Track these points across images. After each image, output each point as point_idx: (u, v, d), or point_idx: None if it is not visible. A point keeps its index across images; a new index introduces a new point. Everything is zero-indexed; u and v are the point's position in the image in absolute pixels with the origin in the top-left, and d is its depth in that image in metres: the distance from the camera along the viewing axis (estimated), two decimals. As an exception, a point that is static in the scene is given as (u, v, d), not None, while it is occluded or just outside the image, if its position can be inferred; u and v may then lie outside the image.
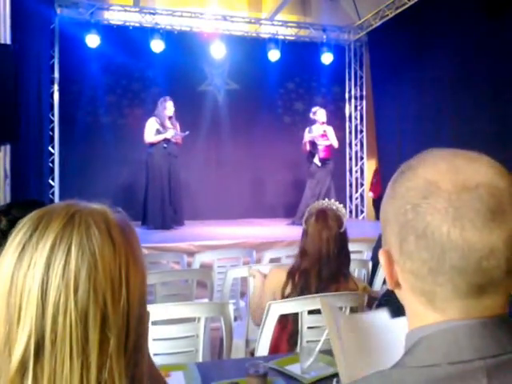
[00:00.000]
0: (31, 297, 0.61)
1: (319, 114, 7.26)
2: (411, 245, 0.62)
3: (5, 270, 0.63)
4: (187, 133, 6.68)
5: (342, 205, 2.47)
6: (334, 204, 2.44)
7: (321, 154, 7.12)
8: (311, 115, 7.42)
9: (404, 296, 0.68)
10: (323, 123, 7.20)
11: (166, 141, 6.56)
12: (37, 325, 0.61)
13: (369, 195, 9.40)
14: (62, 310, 0.61)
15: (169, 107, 6.62)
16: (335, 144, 7.19)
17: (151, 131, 6.56)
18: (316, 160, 7.16)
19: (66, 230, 0.64)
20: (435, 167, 0.64)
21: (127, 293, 0.65)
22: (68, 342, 0.61)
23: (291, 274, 2.30)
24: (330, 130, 7.23)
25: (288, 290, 2.27)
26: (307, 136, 7.21)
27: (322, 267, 2.25)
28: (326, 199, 2.56)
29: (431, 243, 0.60)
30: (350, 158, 9.59)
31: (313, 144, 7.16)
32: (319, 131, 7.13)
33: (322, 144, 7.09)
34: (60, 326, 0.61)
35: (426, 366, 0.60)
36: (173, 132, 6.58)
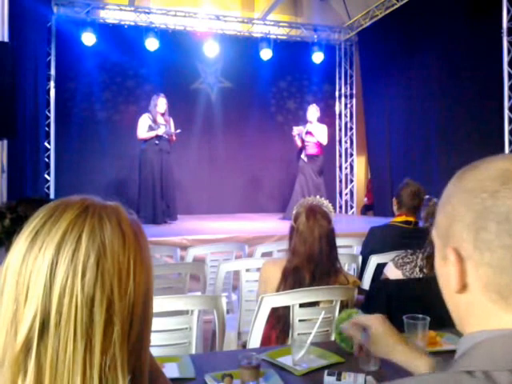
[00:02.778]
0: (39, 277, 0.62)
1: (308, 112, 7.37)
2: (492, 233, 0.59)
3: (17, 252, 0.64)
4: (179, 131, 6.75)
5: (327, 201, 2.49)
6: (320, 201, 2.45)
7: (309, 150, 7.23)
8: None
9: (469, 299, 0.64)
10: (311, 122, 7.28)
11: (158, 137, 6.58)
12: (43, 305, 0.62)
13: (364, 200, 9.62)
14: (69, 292, 0.62)
15: (160, 104, 6.61)
16: (322, 141, 7.24)
17: (143, 127, 6.58)
18: (303, 156, 7.29)
19: (79, 219, 0.66)
20: (504, 159, 0.64)
21: (134, 285, 0.66)
22: (72, 324, 0.62)
23: (285, 274, 2.29)
24: (319, 128, 7.28)
25: (282, 289, 2.26)
26: (295, 130, 7.30)
27: (316, 265, 2.25)
28: (312, 196, 2.56)
29: None
30: (340, 155, 9.72)
31: (303, 141, 7.29)
32: (304, 128, 7.24)
33: (309, 141, 7.21)
34: (65, 308, 0.62)
35: (485, 370, 0.57)
36: (164, 129, 6.65)
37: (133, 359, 0.67)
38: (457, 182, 0.66)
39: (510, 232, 0.58)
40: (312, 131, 7.17)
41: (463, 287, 0.63)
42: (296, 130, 7.26)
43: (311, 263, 2.25)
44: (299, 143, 7.29)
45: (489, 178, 0.62)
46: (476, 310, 0.63)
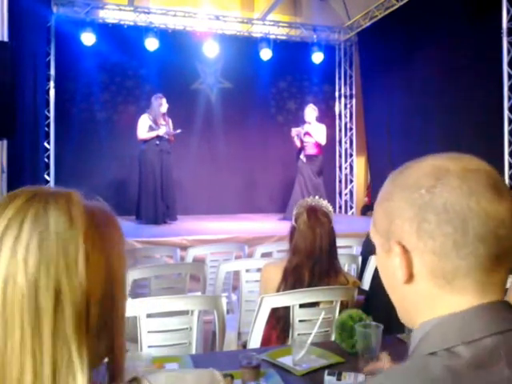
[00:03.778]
0: None
1: (305, 112, 7.38)
2: (432, 223, 0.65)
3: None
4: (179, 131, 6.76)
5: (326, 201, 2.49)
6: (320, 201, 2.46)
7: (308, 150, 7.24)
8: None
9: (417, 288, 0.69)
10: (309, 122, 7.29)
11: (159, 138, 6.60)
12: None
13: (364, 200, 9.62)
14: (12, 279, 0.61)
15: (164, 104, 6.67)
16: (321, 141, 7.24)
17: (144, 128, 6.59)
18: (302, 156, 7.30)
19: (25, 206, 0.65)
20: (437, 158, 0.72)
21: (87, 267, 0.64)
22: (18, 311, 0.61)
23: (285, 275, 2.31)
24: (317, 128, 7.28)
25: (282, 288, 2.29)
26: (293, 132, 7.32)
27: (315, 263, 2.26)
28: (311, 197, 2.57)
29: (453, 216, 0.64)
30: (340, 155, 9.72)
31: (302, 141, 7.30)
32: (302, 130, 7.25)
33: (307, 141, 7.22)
34: (9, 295, 0.61)
35: (445, 348, 0.62)
36: (165, 129, 6.65)
37: (103, 344, 0.68)
38: (393, 182, 0.73)
39: (449, 220, 0.64)
40: (310, 132, 7.17)
41: (410, 277, 0.68)
42: (294, 131, 7.28)
43: (311, 260, 2.27)
44: (298, 144, 7.30)
45: (424, 175, 0.68)
46: (424, 297, 0.68)
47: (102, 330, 0.67)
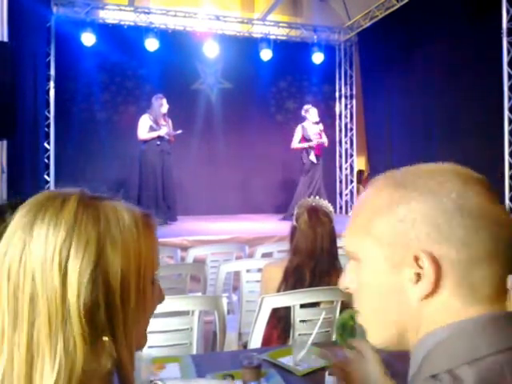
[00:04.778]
0: None
1: (311, 112, 7.38)
2: (468, 228, 0.61)
3: None
4: (180, 131, 6.77)
5: (326, 201, 2.50)
6: (320, 201, 2.47)
7: (316, 151, 7.26)
8: (303, 112, 7.53)
9: (435, 302, 0.63)
10: (316, 123, 7.32)
11: (159, 138, 6.61)
12: None
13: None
14: None
15: (164, 104, 6.68)
16: (326, 142, 7.33)
17: (144, 128, 6.59)
18: (312, 157, 7.28)
19: (22, 217, 0.68)
20: (449, 165, 0.68)
21: (63, 275, 0.64)
22: (0, 315, 0.64)
23: (286, 275, 2.31)
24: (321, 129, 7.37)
25: (283, 288, 2.29)
26: (298, 134, 7.34)
27: (316, 263, 2.26)
28: (312, 197, 2.59)
29: (488, 221, 0.61)
30: (340, 156, 9.71)
31: (307, 141, 7.30)
32: (315, 131, 7.27)
33: (318, 141, 7.24)
34: None
35: (448, 369, 0.59)
36: (166, 129, 6.66)
37: (107, 354, 0.68)
38: (400, 187, 0.66)
39: (486, 226, 0.61)
40: (321, 132, 7.23)
41: (434, 290, 0.62)
42: (299, 136, 7.31)
43: (312, 260, 2.27)
44: (301, 145, 7.30)
45: (448, 180, 0.64)
46: (440, 313, 0.63)
47: (95, 338, 0.66)
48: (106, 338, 0.68)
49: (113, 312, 0.67)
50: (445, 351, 0.60)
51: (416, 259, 0.62)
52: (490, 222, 0.61)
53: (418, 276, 0.63)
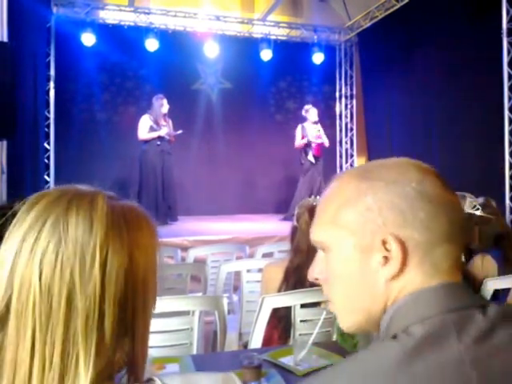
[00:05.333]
0: (4, 268, 0.63)
1: (311, 112, 7.40)
2: (428, 212, 0.68)
3: None
4: (180, 131, 6.78)
5: None
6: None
7: (314, 151, 7.27)
8: (303, 112, 7.56)
9: (403, 281, 0.69)
10: (315, 122, 7.34)
11: (160, 138, 6.61)
12: (5, 295, 0.63)
13: None
14: (27, 281, 0.62)
15: (165, 104, 6.69)
16: (327, 143, 7.34)
17: (145, 128, 6.60)
18: (310, 157, 7.30)
19: (47, 208, 0.66)
20: (406, 159, 0.76)
21: (102, 274, 0.64)
22: (31, 315, 0.62)
23: (286, 275, 2.32)
24: (321, 130, 7.39)
25: (283, 288, 2.31)
26: (300, 134, 7.36)
27: None
28: (313, 197, 2.58)
29: (445, 206, 0.69)
30: (341, 156, 9.70)
31: (306, 141, 7.31)
32: (315, 131, 7.28)
33: (315, 142, 7.25)
34: (23, 298, 0.62)
35: (403, 328, 0.64)
36: (167, 129, 6.66)
37: (122, 351, 0.68)
38: (367, 179, 0.72)
39: (443, 211, 0.69)
40: (321, 132, 7.24)
41: (401, 270, 0.68)
42: (300, 137, 7.32)
43: (312, 260, 2.24)
44: (300, 143, 7.32)
45: (408, 171, 0.71)
46: (405, 287, 0.69)
47: (121, 336, 0.68)
48: (125, 338, 0.69)
49: (136, 312, 0.69)
50: (403, 314, 0.67)
51: (384, 243, 0.68)
52: (446, 207, 0.69)
53: (386, 259, 0.68)
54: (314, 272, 0.80)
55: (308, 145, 7.29)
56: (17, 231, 0.65)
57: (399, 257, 0.67)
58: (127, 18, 8.41)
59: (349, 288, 0.73)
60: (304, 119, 7.52)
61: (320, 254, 0.79)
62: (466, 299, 0.67)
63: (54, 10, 7.92)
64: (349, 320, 0.75)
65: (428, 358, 0.60)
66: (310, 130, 7.33)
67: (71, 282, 0.63)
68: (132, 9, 8.33)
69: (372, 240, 0.69)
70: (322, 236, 0.76)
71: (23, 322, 0.62)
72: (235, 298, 3.66)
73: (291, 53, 9.00)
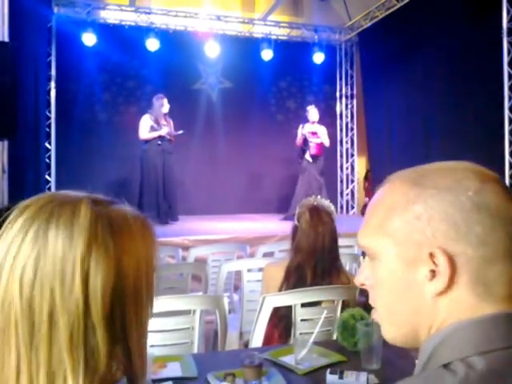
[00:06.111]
0: None
1: (311, 113, 7.42)
2: (486, 227, 0.61)
3: None
4: (181, 132, 6.78)
5: (328, 201, 2.52)
6: (322, 201, 2.47)
7: (312, 150, 7.27)
8: (307, 113, 7.60)
9: (450, 298, 0.64)
10: (313, 122, 7.36)
11: (160, 138, 6.62)
12: None
13: (365, 200, 9.65)
14: (9, 297, 0.60)
15: (165, 104, 6.70)
16: (326, 143, 7.34)
17: (145, 128, 6.60)
18: (307, 156, 7.32)
19: (30, 219, 0.64)
20: (463, 163, 0.68)
21: (85, 289, 0.61)
22: (14, 332, 0.60)
23: (287, 274, 2.31)
24: (323, 129, 7.38)
25: (284, 288, 2.30)
26: (300, 133, 7.40)
27: (317, 262, 2.27)
28: (314, 196, 2.58)
29: (505, 220, 0.62)
30: (341, 155, 9.73)
31: (305, 141, 7.32)
32: (308, 129, 7.31)
33: (313, 141, 7.26)
34: (6, 314, 0.60)
35: (461, 358, 0.59)
36: (167, 129, 6.67)
37: (117, 361, 0.66)
38: (416, 185, 0.67)
39: (503, 225, 0.61)
40: (318, 132, 7.23)
41: (449, 287, 0.63)
42: (300, 133, 7.33)
43: (313, 259, 2.28)
44: (300, 142, 7.33)
45: (465, 178, 0.64)
46: (453, 309, 0.64)
47: (113, 349, 0.65)
48: (118, 347, 0.66)
49: (127, 320, 0.66)
50: (459, 341, 0.61)
51: (431, 256, 0.63)
52: (506, 221, 0.62)
53: (433, 273, 0.63)
54: (360, 277, 0.76)
55: (306, 144, 7.30)
56: (3, 242, 0.63)
57: (447, 272, 0.62)
58: (128, 18, 8.43)
59: (393, 299, 0.69)
60: (306, 119, 7.54)
61: (367, 260, 0.75)
62: None
63: (55, 9, 7.95)
64: (390, 331, 0.72)
65: None
66: (306, 128, 7.36)
67: (52, 299, 0.61)
68: (133, 9, 8.34)
69: (419, 252, 0.64)
70: (368, 242, 0.72)
71: (7, 339, 0.60)
72: (236, 297, 3.67)
73: (292, 52, 9.01)
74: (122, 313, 0.65)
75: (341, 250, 2.44)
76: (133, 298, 0.67)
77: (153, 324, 1.98)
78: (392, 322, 0.71)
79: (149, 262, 0.70)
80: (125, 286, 0.65)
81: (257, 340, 2.14)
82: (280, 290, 2.30)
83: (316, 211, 2.35)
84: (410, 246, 0.65)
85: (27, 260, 0.61)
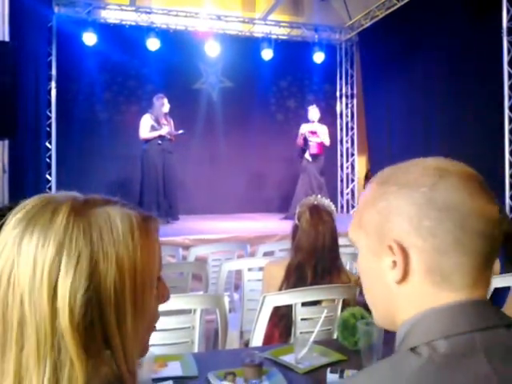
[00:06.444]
0: None
1: (310, 112, 7.44)
2: (433, 220, 0.66)
3: None
4: (181, 131, 6.79)
5: (328, 200, 2.52)
6: (322, 200, 2.48)
7: (312, 150, 7.28)
8: (307, 113, 7.63)
9: (409, 287, 0.69)
10: (313, 122, 7.37)
11: (161, 137, 6.62)
12: None
13: None
14: None
15: (166, 104, 6.70)
16: (326, 142, 7.36)
17: (146, 128, 6.61)
18: (307, 155, 7.33)
19: (12, 227, 0.63)
20: (433, 159, 0.73)
21: (52, 294, 0.60)
22: None
23: (287, 273, 2.32)
24: (323, 129, 7.40)
25: (284, 287, 2.31)
26: (300, 132, 7.42)
27: (318, 261, 2.28)
28: (314, 195, 2.59)
29: (454, 212, 0.65)
30: (341, 155, 9.73)
31: (305, 140, 7.34)
32: (308, 129, 7.32)
33: (312, 140, 7.27)
34: None
35: (426, 342, 0.63)
36: (167, 129, 6.68)
37: (105, 369, 0.65)
38: (385, 183, 0.73)
39: (449, 217, 0.66)
40: (318, 131, 7.24)
41: (405, 276, 0.69)
42: (300, 132, 7.35)
43: (313, 258, 2.28)
44: (301, 142, 7.34)
45: (425, 174, 0.69)
46: (415, 296, 0.69)
47: (97, 355, 0.63)
48: (107, 351, 0.64)
49: (108, 329, 0.63)
50: (426, 327, 0.66)
51: (390, 248, 0.69)
52: (455, 214, 0.66)
53: (394, 263, 0.69)
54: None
55: (306, 143, 7.31)
56: None
57: (401, 262, 0.68)
58: (128, 18, 8.43)
59: (370, 286, 0.77)
60: (307, 119, 7.56)
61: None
62: (492, 318, 0.65)
63: (56, 9, 7.95)
64: (375, 315, 0.79)
65: (455, 376, 0.60)
66: (304, 127, 7.37)
67: (22, 306, 0.59)
68: (133, 8, 8.35)
69: (381, 244, 0.71)
70: (351, 235, 0.80)
71: None
72: (236, 296, 3.67)
73: (292, 52, 9.01)
74: (101, 322, 0.63)
75: (341, 249, 2.45)
76: (114, 305, 0.63)
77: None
78: (373, 306, 0.78)
79: (138, 265, 0.66)
80: (102, 293, 0.62)
81: (257, 339, 2.14)
82: (280, 289, 2.30)
83: (316, 210, 2.36)
84: (375, 238, 0.72)
85: (5, 265, 0.61)
